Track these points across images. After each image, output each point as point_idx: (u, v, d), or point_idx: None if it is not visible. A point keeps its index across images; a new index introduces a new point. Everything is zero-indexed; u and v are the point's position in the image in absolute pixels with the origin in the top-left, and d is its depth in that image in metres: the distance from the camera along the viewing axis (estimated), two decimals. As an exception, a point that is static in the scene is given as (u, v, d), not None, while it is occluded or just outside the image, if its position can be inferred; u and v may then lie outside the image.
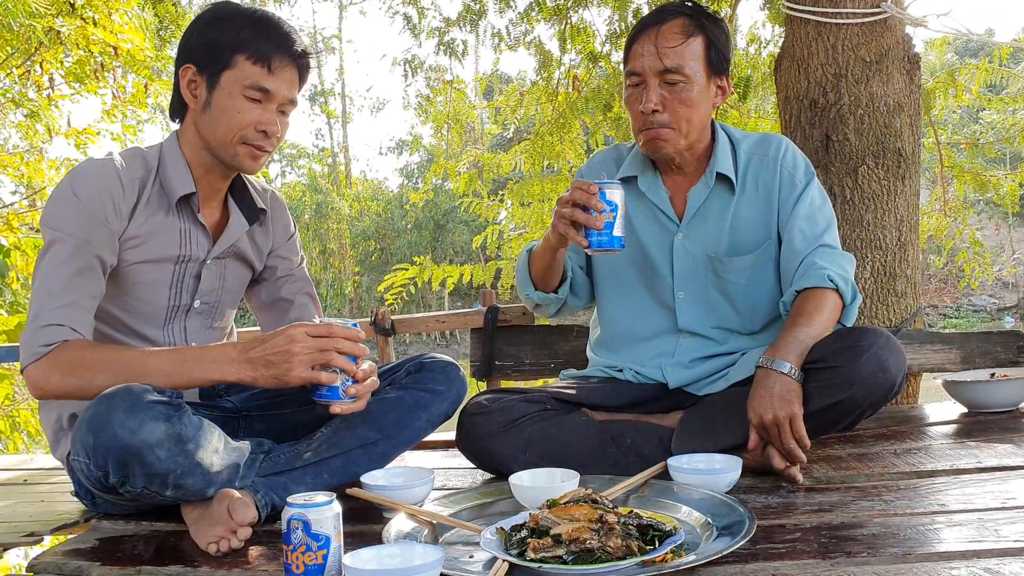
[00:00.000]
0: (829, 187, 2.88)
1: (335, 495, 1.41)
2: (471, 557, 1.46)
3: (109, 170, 1.82)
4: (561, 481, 1.70)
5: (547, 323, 3.13)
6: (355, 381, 1.71)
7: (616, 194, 1.87)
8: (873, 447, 2.14)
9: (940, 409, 2.60)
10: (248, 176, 2.05)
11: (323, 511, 1.36)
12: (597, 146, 5.39)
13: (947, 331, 3.09)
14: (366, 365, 1.75)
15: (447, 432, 2.27)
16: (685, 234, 2.18)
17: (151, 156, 1.91)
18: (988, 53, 4.82)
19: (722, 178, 2.16)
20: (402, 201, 26.24)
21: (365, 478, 1.84)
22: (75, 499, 1.94)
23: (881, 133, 2.87)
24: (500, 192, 6.58)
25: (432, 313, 3.50)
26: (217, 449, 1.67)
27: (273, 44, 1.81)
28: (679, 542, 1.38)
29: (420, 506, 1.71)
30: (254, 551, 1.60)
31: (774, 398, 1.82)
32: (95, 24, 5.67)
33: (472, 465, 2.12)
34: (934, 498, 1.66)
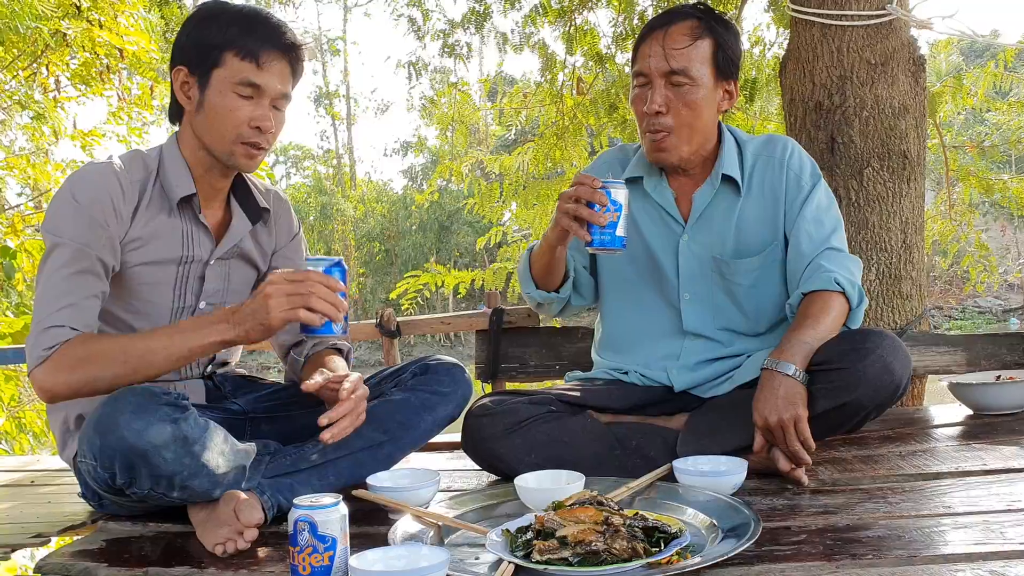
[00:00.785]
0: (834, 189, 2.87)
1: (341, 496, 1.42)
2: (477, 559, 1.46)
3: (108, 173, 1.82)
4: (566, 483, 1.70)
5: (552, 325, 3.13)
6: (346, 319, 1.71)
7: (620, 194, 1.86)
8: (878, 449, 2.14)
9: (946, 411, 2.60)
10: (250, 176, 2.05)
11: (330, 513, 1.36)
12: (602, 147, 5.39)
13: (952, 333, 3.09)
14: (351, 381, 1.76)
15: (452, 434, 2.27)
16: (690, 235, 2.18)
17: (151, 158, 1.91)
18: (994, 55, 4.82)
19: (727, 179, 2.16)
20: (406, 203, 26.29)
21: (371, 480, 1.85)
22: (82, 500, 1.95)
23: (886, 135, 2.87)
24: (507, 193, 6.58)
25: (437, 315, 3.50)
26: (223, 451, 1.67)
27: (261, 39, 1.81)
28: (685, 544, 1.38)
29: (426, 508, 1.71)
30: (260, 552, 1.61)
31: (779, 400, 1.82)
32: (101, 26, 5.69)
33: (477, 467, 2.12)
34: (940, 500, 1.66)
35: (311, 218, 25.01)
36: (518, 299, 5.71)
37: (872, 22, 2.85)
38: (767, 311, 2.18)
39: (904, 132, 2.88)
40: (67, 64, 6.18)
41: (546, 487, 1.70)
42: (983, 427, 2.33)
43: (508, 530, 1.48)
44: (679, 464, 1.79)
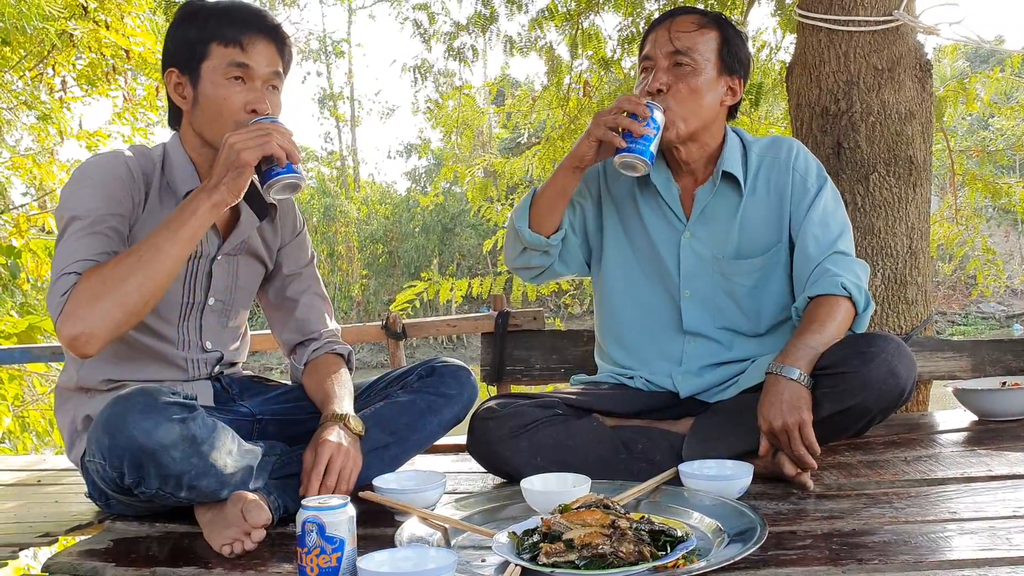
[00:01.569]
0: (840, 194, 2.87)
1: (349, 498, 1.42)
2: (483, 561, 1.47)
3: (119, 158, 1.86)
4: (572, 486, 1.70)
5: (557, 328, 3.13)
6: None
7: (659, 116, 1.98)
8: (884, 454, 2.14)
9: (951, 417, 2.60)
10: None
11: (338, 514, 1.37)
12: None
13: (957, 339, 3.09)
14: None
15: (458, 436, 2.28)
16: (692, 233, 2.19)
17: (155, 154, 1.93)
18: (999, 60, 4.82)
19: (729, 178, 2.17)
20: (410, 205, 26.30)
21: (377, 481, 1.85)
22: (88, 500, 1.95)
23: (893, 141, 2.87)
24: (511, 197, 6.59)
25: (443, 317, 3.51)
26: (231, 451, 1.68)
27: (241, 25, 1.85)
28: (691, 548, 1.38)
29: (432, 510, 1.72)
30: (267, 553, 1.61)
31: (783, 404, 1.82)
32: (107, 27, 5.71)
33: (483, 470, 2.13)
34: (945, 506, 1.66)
35: (314, 219, 25.01)
36: (522, 302, 5.71)
37: (879, 28, 2.85)
38: (768, 312, 2.18)
39: (910, 138, 2.88)
40: (73, 64, 6.20)
41: (552, 490, 1.70)
42: (988, 433, 2.33)
43: (514, 533, 1.48)
44: (685, 468, 1.79)
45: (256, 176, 1.77)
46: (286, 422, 2.06)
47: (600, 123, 1.99)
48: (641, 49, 2.18)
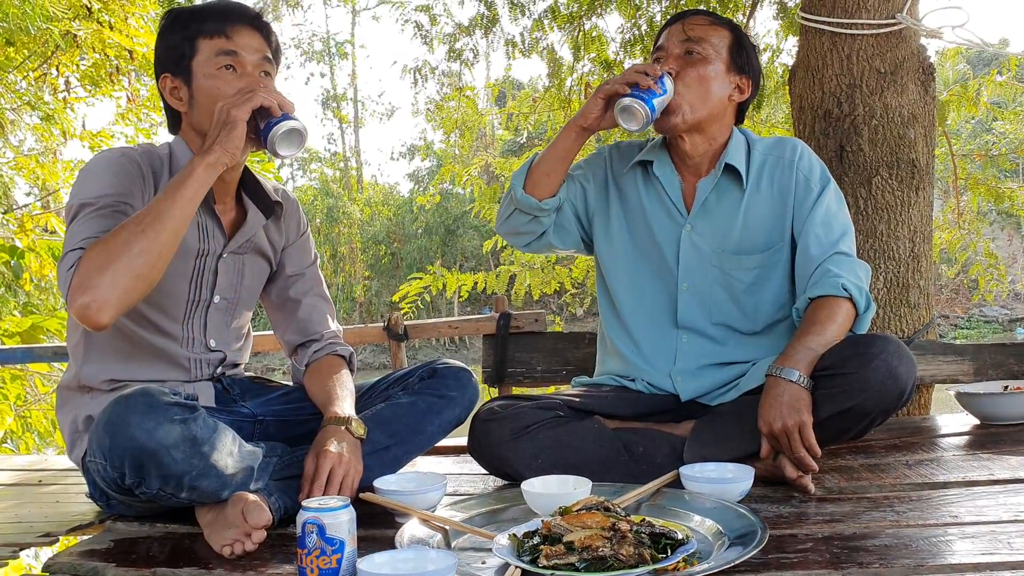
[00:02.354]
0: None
1: (349, 499, 1.42)
2: (483, 563, 1.47)
3: (128, 153, 1.88)
4: (573, 488, 1.70)
5: (559, 330, 3.13)
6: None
7: (669, 83, 2.05)
8: (885, 458, 2.14)
9: (952, 421, 2.60)
10: (258, 176, 2.07)
11: (338, 515, 1.37)
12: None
13: (959, 342, 3.09)
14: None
15: (459, 438, 2.28)
16: (693, 226, 2.19)
17: (161, 151, 1.95)
18: (1000, 65, 4.82)
19: (731, 172, 2.17)
20: (412, 206, 26.32)
21: (378, 483, 1.85)
22: (89, 501, 1.95)
23: (895, 144, 2.87)
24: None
25: (445, 319, 3.51)
26: (232, 452, 1.68)
27: (222, 16, 1.89)
28: (691, 551, 1.38)
29: (433, 511, 1.72)
30: (268, 554, 1.61)
31: (783, 406, 1.82)
32: (111, 28, 5.71)
33: (484, 471, 2.13)
34: (946, 510, 1.66)
35: (317, 220, 25.04)
36: (523, 304, 5.71)
37: (882, 31, 2.85)
38: (764, 310, 2.18)
39: (913, 141, 2.88)
40: (77, 65, 6.20)
41: (553, 492, 1.70)
42: (990, 437, 2.33)
43: (515, 535, 1.48)
44: (686, 471, 1.79)
45: (262, 142, 1.78)
46: (287, 423, 2.06)
47: (610, 83, 2.05)
48: (654, 47, 2.22)
